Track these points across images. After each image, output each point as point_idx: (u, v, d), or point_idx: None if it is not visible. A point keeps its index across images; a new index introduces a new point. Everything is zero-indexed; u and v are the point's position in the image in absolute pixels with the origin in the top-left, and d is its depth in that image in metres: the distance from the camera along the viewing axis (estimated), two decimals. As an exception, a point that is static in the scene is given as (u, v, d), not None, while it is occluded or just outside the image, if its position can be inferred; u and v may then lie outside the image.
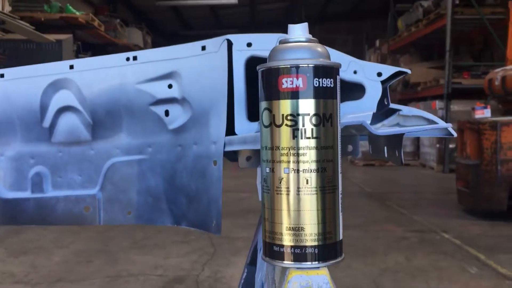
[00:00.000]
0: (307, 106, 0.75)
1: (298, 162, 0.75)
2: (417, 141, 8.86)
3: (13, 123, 1.12)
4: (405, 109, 1.05)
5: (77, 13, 7.27)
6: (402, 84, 10.12)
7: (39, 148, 1.12)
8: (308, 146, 0.75)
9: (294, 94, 0.75)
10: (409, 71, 1.01)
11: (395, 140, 0.96)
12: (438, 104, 8.01)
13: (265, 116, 0.77)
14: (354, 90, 0.99)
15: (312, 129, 0.75)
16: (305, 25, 0.80)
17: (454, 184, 4.96)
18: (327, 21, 14.43)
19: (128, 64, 1.06)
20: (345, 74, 0.98)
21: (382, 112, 1.06)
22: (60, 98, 1.09)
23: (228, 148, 0.96)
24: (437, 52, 9.84)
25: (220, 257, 3.38)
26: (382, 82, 1.00)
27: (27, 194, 1.12)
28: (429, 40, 9.58)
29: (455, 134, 1.05)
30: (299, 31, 0.79)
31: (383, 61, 10.82)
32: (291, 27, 0.80)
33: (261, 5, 14.17)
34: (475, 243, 3.70)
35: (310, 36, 0.80)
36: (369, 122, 0.90)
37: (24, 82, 1.11)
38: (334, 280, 0.73)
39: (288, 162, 0.75)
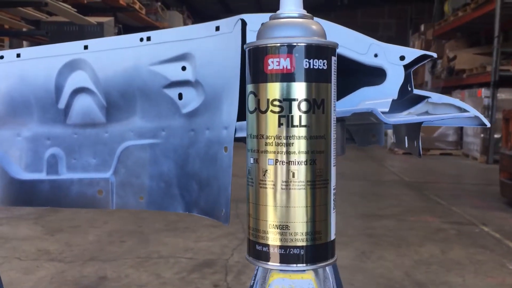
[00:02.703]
0: (295, 90, 0.67)
1: (284, 153, 0.68)
2: (460, 130, 8.57)
3: (30, 104, 1.11)
4: (434, 96, 0.98)
5: (119, -5, 7.35)
6: (447, 71, 9.79)
7: (54, 129, 1.11)
8: (295, 136, 0.68)
9: (281, 77, 0.67)
10: (435, 55, 0.93)
11: (414, 130, 0.90)
12: (484, 92, 7.71)
13: (250, 101, 0.71)
14: (374, 75, 0.93)
15: (300, 116, 0.68)
16: None
17: (497, 175, 4.77)
18: (370, 5, 14.07)
19: (141, 45, 1.03)
20: (365, 57, 0.91)
21: (410, 99, 0.99)
22: (75, 79, 1.08)
23: (239, 134, 0.91)
24: (485, 38, 9.46)
25: (250, 243, 3.37)
26: (406, 67, 0.93)
27: (42, 175, 1.11)
28: (476, 25, 9.21)
29: (488, 124, 0.98)
30: (291, 6, 0.71)
31: (427, 46, 10.47)
32: (283, 0, 0.72)
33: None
34: (516, 238, 3.55)
35: (304, 12, 0.72)
36: (387, 109, 0.84)
37: (40, 62, 1.10)
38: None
39: (274, 152, 0.68)
